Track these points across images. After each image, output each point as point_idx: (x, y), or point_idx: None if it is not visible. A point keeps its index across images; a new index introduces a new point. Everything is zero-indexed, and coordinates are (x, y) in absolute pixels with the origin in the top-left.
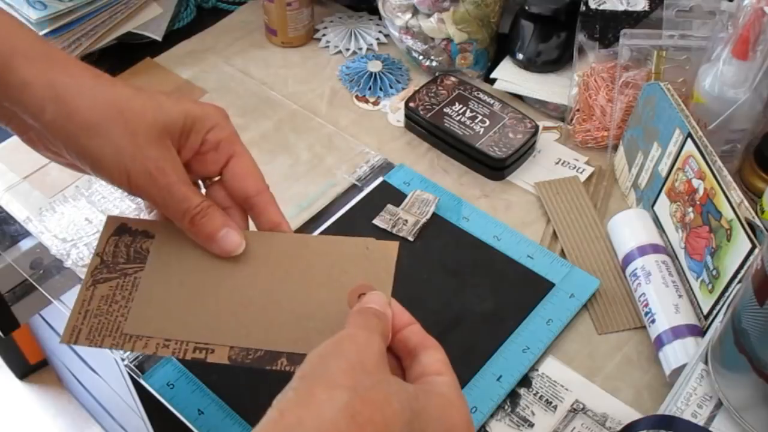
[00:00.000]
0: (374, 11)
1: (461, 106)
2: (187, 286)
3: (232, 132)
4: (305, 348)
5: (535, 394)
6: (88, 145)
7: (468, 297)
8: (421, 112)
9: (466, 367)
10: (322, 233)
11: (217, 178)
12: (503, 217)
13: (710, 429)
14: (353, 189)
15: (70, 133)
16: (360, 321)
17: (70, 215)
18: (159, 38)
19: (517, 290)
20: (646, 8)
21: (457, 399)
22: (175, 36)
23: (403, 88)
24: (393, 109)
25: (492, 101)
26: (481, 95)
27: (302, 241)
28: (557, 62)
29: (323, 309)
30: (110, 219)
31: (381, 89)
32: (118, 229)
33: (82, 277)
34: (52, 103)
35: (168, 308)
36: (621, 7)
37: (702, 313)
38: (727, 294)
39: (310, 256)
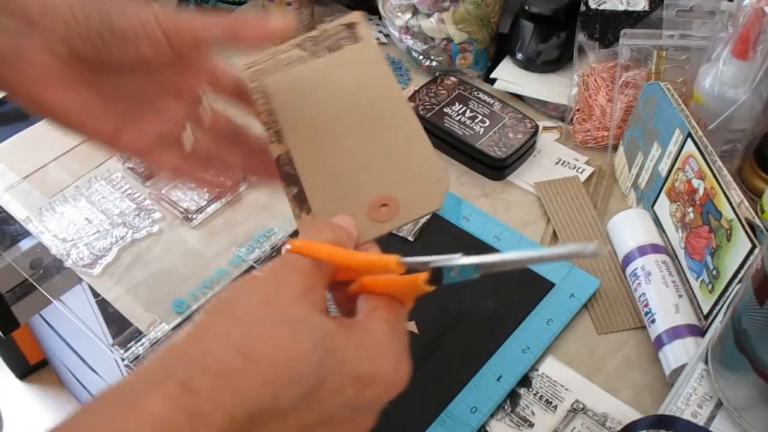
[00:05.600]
0: (374, 11)
1: (461, 106)
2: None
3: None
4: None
5: (535, 394)
6: None
7: (468, 297)
8: (421, 112)
9: (466, 367)
10: None
11: None
12: (503, 217)
13: (710, 429)
14: None
15: None
16: (287, 257)
17: (70, 215)
18: None
19: (517, 290)
20: (646, 8)
21: (387, 340)
22: None
23: (403, 88)
24: None
25: (492, 101)
26: (481, 95)
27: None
28: (557, 62)
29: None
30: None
31: None
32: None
33: (83, 277)
34: None
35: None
36: (621, 7)
37: (702, 313)
38: (727, 294)
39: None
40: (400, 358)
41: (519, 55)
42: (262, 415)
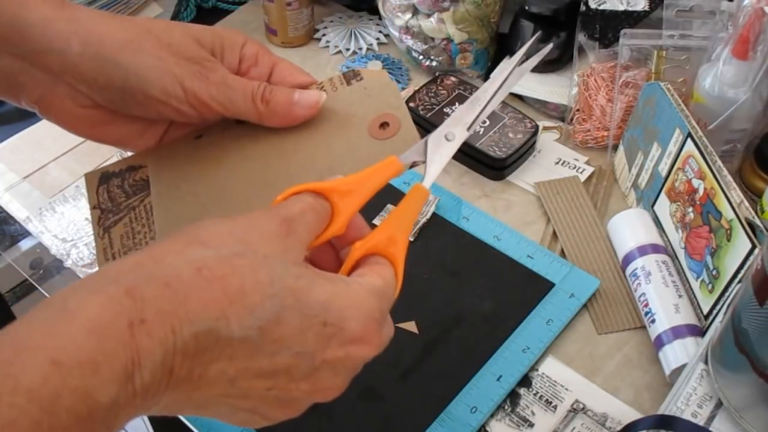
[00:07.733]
0: (374, 11)
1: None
2: (201, 191)
3: (262, 45)
4: None
5: (535, 394)
6: (132, 63)
7: (468, 297)
8: (421, 112)
9: (466, 367)
10: None
11: None
12: (503, 217)
13: (710, 429)
14: None
15: (106, 58)
16: (281, 204)
17: (70, 215)
18: None
19: (517, 290)
20: (646, 8)
21: (365, 296)
22: None
23: (403, 88)
24: None
25: None
26: None
27: None
28: (557, 62)
29: (349, 156)
30: (89, 175)
31: None
32: (102, 178)
33: (82, 277)
34: (77, 35)
35: (191, 216)
36: (621, 7)
37: (702, 313)
38: (727, 294)
39: (313, 118)
40: (374, 320)
41: None
42: (209, 338)
